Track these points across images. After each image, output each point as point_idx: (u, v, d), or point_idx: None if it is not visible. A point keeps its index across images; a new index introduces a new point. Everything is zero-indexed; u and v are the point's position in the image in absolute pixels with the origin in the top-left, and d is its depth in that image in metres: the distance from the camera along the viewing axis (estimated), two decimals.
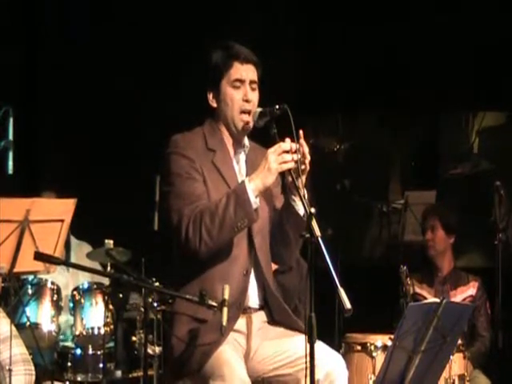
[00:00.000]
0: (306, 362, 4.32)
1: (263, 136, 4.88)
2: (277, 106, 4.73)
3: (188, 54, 8.27)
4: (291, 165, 4.63)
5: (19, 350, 5.90)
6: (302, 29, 8.79)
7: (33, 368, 5.94)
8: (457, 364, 6.14)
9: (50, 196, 6.09)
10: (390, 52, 8.53)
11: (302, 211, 4.54)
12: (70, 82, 8.42)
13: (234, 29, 8.17)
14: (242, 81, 4.92)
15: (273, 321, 5.04)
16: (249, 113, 4.90)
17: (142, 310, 6.35)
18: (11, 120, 5.66)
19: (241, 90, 4.91)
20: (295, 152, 4.63)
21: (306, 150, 4.67)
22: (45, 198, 6.01)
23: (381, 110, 8.47)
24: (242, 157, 5.03)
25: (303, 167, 4.67)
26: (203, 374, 4.72)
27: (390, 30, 8.53)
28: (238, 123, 4.93)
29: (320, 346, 4.62)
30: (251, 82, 4.93)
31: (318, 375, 4.40)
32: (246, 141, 5.04)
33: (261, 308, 5.03)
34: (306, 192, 4.55)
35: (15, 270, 5.27)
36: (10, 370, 5.68)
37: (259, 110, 4.88)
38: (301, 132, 4.64)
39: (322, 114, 8.11)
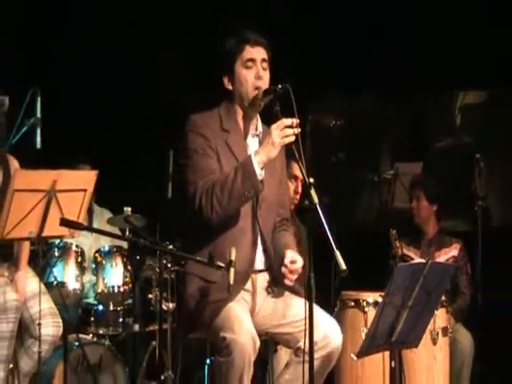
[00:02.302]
0: (305, 324, 4.39)
1: (267, 114, 4.88)
2: (279, 86, 4.75)
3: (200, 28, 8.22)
4: (292, 138, 4.65)
5: (48, 305, 5.95)
6: (300, 10, 8.55)
7: (60, 321, 6.00)
8: (440, 318, 6.19)
9: (85, 168, 6.09)
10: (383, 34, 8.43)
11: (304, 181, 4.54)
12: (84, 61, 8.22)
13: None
14: (253, 60, 4.95)
15: (275, 282, 5.07)
16: None
17: (157, 270, 6.37)
18: (39, 100, 5.67)
19: (253, 70, 4.94)
20: (296, 126, 4.64)
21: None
22: (81, 169, 6.00)
23: (375, 89, 8.42)
24: (255, 138, 5.05)
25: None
26: (214, 327, 4.76)
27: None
28: (251, 100, 4.97)
29: (318, 312, 4.70)
30: (262, 61, 4.96)
31: (316, 336, 4.43)
32: (260, 125, 5.07)
33: (265, 270, 5.07)
34: (305, 164, 4.57)
35: (43, 234, 5.29)
36: (39, 324, 5.70)
37: (263, 88, 4.90)
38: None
39: (320, 93, 8.07)
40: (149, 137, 6.72)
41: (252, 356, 4.67)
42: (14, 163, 5.94)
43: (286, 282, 4.80)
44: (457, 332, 6.51)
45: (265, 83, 4.91)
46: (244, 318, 4.76)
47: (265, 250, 5.03)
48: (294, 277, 4.78)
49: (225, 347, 4.66)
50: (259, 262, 5.02)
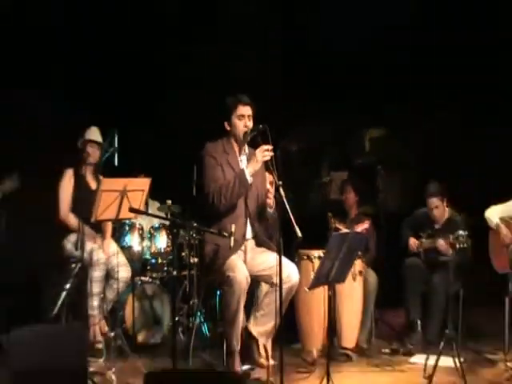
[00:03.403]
0: (278, 266, 4.45)
1: (254, 143, 4.96)
2: (260, 126, 4.85)
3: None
4: (269, 157, 4.75)
5: (122, 259, 5.95)
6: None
7: (130, 269, 6.00)
8: (358, 265, 6.18)
9: (141, 176, 6.09)
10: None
11: (275, 182, 4.61)
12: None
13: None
14: (243, 115, 5.01)
15: (258, 244, 5.14)
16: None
17: (187, 238, 6.43)
18: (116, 137, 5.72)
19: (243, 121, 5.00)
20: (271, 150, 4.73)
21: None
22: (138, 178, 5.98)
23: (317, 123, 8.35)
24: (244, 157, 5.11)
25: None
26: (223, 271, 4.84)
27: None
28: (241, 137, 5.04)
29: (285, 260, 4.74)
30: (249, 116, 5.02)
31: (283, 275, 4.47)
32: (247, 148, 5.13)
33: (252, 238, 5.14)
34: (277, 172, 4.63)
35: (119, 217, 5.30)
36: (117, 271, 5.77)
37: (250, 128, 4.98)
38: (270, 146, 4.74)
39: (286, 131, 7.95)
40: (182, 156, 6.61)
41: (245, 287, 4.78)
42: (101, 176, 6.00)
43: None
44: (367, 273, 6.44)
45: (249, 128, 4.99)
46: (241, 265, 4.85)
47: (252, 225, 5.10)
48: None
49: (228, 282, 4.76)
50: (249, 233, 5.10)
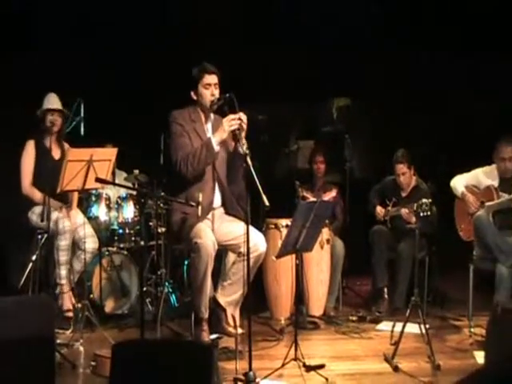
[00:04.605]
0: (245, 235, 4.41)
1: (221, 112, 4.92)
2: (227, 95, 4.79)
3: None
4: (235, 126, 4.71)
5: (89, 230, 5.93)
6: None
7: (97, 240, 5.98)
8: (325, 233, 6.24)
9: (108, 146, 6.00)
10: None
11: (242, 151, 4.57)
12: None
13: None
14: (209, 84, 4.97)
15: (227, 212, 5.12)
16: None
17: (154, 208, 6.40)
18: (82, 106, 5.65)
19: (209, 90, 4.96)
20: (238, 119, 4.69)
21: (244, 118, 4.72)
22: (105, 147, 5.91)
23: (286, 98, 8.32)
24: (210, 125, 5.08)
25: (244, 127, 4.72)
26: (190, 238, 4.83)
27: None
28: (208, 106, 5.00)
29: (252, 230, 4.71)
30: (215, 84, 4.98)
31: (250, 244, 4.43)
32: (212, 116, 5.10)
33: (220, 206, 5.11)
34: (244, 141, 4.61)
35: (85, 187, 5.25)
36: (84, 242, 5.74)
37: (217, 97, 4.94)
38: (241, 113, 4.71)
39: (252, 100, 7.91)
40: (149, 125, 6.52)
41: (212, 253, 4.77)
42: (67, 145, 5.95)
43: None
44: (335, 241, 6.48)
45: (216, 96, 4.96)
46: (208, 231, 4.85)
47: (221, 193, 5.09)
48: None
49: (196, 248, 4.74)
50: (217, 201, 5.08)
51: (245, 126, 4.72)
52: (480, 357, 4.84)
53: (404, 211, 6.28)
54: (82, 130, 5.73)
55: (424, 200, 5.07)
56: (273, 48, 7.79)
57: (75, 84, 6.65)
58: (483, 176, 5.96)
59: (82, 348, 5.12)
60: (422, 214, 5.06)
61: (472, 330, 5.59)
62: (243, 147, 4.53)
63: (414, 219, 5.92)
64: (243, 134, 4.68)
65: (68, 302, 5.80)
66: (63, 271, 5.77)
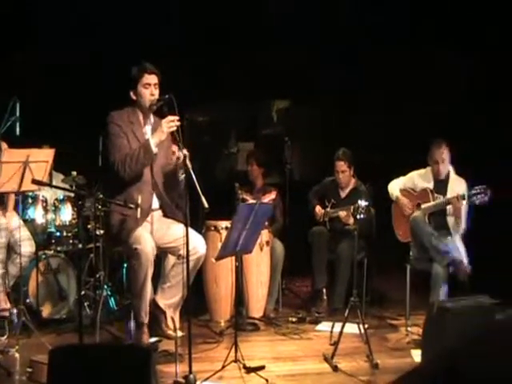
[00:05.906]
0: (185, 238, 4.39)
1: (160, 113, 4.87)
2: (166, 96, 4.70)
3: None
4: (174, 128, 4.67)
5: (25, 232, 5.84)
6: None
7: (33, 243, 5.89)
8: (265, 235, 6.27)
9: (46, 147, 5.90)
10: None
11: (181, 154, 4.55)
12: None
13: None
14: (149, 84, 4.91)
15: (165, 215, 5.08)
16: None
17: (92, 210, 6.32)
18: (18, 105, 5.55)
19: (149, 90, 4.90)
20: (177, 121, 4.66)
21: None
22: (42, 148, 5.81)
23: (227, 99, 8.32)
24: (149, 127, 5.02)
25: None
26: (129, 243, 4.77)
27: None
28: (147, 107, 4.93)
29: (191, 232, 4.70)
30: (155, 84, 4.92)
31: (190, 247, 4.43)
32: (152, 118, 5.03)
33: (159, 208, 5.06)
34: (182, 143, 4.59)
35: (21, 189, 5.14)
36: (20, 245, 5.63)
37: (157, 97, 4.89)
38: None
39: (194, 101, 7.88)
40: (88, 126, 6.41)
41: (152, 258, 4.73)
42: (3, 145, 5.82)
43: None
44: (274, 243, 6.49)
45: (155, 97, 4.90)
46: (147, 236, 4.79)
47: (158, 196, 5.04)
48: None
49: (136, 254, 4.69)
50: (155, 203, 5.03)
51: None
52: (417, 355, 4.94)
53: (342, 213, 6.37)
54: (18, 130, 5.60)
55: (360, 202, 5.13)
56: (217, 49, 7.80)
57: (10, 83, 6.54)
58: (419, 179, 6.06)
59: (17, 354, 4.99)
60: (358, 217, 5.13)
61: (409, 329, 5.70)
62: (182, 149, 4.51)
63: (352, 221, 5.99)
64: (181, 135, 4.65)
65: (2, 302, 5.70)
66: None
